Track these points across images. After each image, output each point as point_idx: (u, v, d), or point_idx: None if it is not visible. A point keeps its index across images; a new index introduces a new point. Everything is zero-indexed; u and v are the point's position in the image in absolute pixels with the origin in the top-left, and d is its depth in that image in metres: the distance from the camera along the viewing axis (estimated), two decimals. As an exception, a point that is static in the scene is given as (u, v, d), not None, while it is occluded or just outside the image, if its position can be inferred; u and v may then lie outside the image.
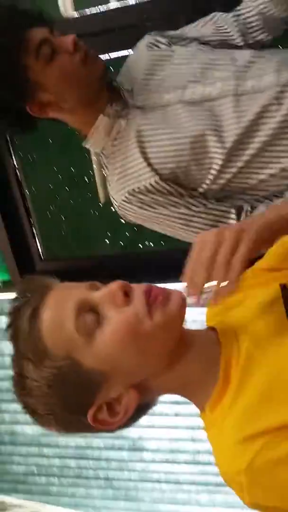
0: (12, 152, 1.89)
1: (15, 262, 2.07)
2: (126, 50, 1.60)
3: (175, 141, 0.97)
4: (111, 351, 0.62)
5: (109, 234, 2.00)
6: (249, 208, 1.02)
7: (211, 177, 1.00)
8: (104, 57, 1.64)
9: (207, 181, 1.00)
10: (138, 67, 1.07)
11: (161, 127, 0.99)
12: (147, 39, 1.12)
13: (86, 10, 1.61)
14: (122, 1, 1.57)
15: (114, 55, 1.65)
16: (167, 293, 0.63)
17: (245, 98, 0.97)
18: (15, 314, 0.65)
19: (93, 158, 1.44)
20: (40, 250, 2.09)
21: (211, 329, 0.71)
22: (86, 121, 1.03)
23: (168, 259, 2.03)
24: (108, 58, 1.65)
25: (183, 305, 0.63)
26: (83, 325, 0.61)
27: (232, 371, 0.64)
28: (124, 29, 1.57)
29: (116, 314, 0.62)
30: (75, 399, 0.64)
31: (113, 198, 1.05)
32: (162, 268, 1.84)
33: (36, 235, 2.05)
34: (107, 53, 1.65)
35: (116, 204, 1.06)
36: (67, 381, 0.62)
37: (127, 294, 0.62)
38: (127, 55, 1.54)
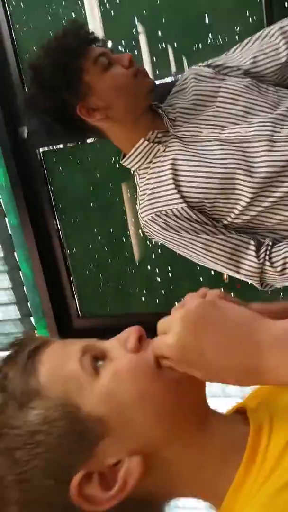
0: (56, 214, 2.02)
1: (54, 319, 2.14)
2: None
3: (207, 174, 1.02)
4: (115, 390, 0.50)
5: (145, 292, 2.05)
6: (270, 243, 1.04)
7: (236, 211, 1.04)
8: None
9: (232, 215, 1.04)
10: (184, 98, 1.14)
11: (196, 159, 1.04)
12: (195, 70, 1.18)
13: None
14: (157, 79, 1.71)
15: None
16: None
17: (279, 144, 1.01)
18: (10, 357, 0.54)
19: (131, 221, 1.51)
20: (78, 307, 2.15)
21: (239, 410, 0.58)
22: (128, 138, 1.10)
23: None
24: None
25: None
26: (87, 362, 0.52)
27: (259, 449, 0.49)
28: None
29: (124, 354, 0.53)
30: (62, 456, 0.48)
31: (141, 216, 1.11)
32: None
33: (75, 293, 2.13)
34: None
35: (143, 221, 1.11)
36: (57, 428, 0.49)
37: (141, 341, 0.54)
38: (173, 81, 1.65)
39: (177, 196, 1.04)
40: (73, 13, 1.75)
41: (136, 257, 2.03)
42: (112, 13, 1.69)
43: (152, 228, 1.08)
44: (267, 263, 1.01)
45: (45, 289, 2.08)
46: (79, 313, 2.17)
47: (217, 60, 1.18)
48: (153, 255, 1.96)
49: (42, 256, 2.04)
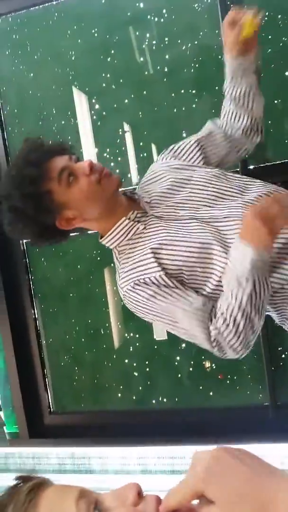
0: (34, 304, 2.02)
1: (25, 414, 2.04)
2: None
3: (186, 243, 1.09)
4: None
5: (121, 387, 1.99)
6: (214, 304, 1.10)
7: (213, 281, 1.08)
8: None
9: (210, 285, 1.09)
10: (160, 185, 1.21)
11: (175, 232, 1.12)
12: (165, 164, 1.26)
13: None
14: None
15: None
16: None
17: None
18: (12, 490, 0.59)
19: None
20: (50, 402, 2.07)
21: None
22: (106, 223, 1.15)
23: (180, 419, 1.98)
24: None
25: None
26: (83, 506, 0.55)
27: None
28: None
29: (122, 507, 0.56)
30: None
31: (121, 287, 1.13)
32: (174, 428, 1.79)
33: (48, 386, 2.05)
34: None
35: (122, 293, 1.13)
36: None
37: (138, 497, 0.57)
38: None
39: (155, 265, 1.09)
40: (62, 121, 1.91)
41: (115, 348, 2.00)
42: (99, 124, 1.85)
43: (132, 298, 1.11)
44: (212, 323, 1.07)
45: (16, 382, 2.01)
46: (51, 408, 2.08)
47: (183, 150, 1.27)
48: (131, 348, 1.94)
49: (17, 346, 2.00)
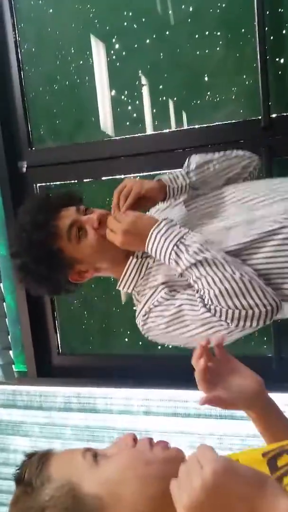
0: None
1: (34, 354, 2.11)
2: (158, 171, 1.81)
3: None
4: (112, 476, 0.63)
5: (129, 333, 2.04)
6: None
7: None
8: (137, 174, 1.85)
9: None
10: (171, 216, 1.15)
11: None
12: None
13: (126, 134, 1.84)
14: (157, 130, 1.80)
15: (146, 173, 1.84)
16: (167, 444, 0.67)
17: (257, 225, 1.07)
18: (24, 464, 0.68)
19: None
20: (59, 343, 2.13)
21: None
22: (120, 267, 1.13)
23: (184, 364, 2.02)
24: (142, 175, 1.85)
25: (179, 455, 0.66)
26: (89, 456, 0.65)
27: None
28: (156, 153, 1.78)
29: (123, 450, 0.66)
30: None
31: (139, 326, 1.11)
32: (177, 372, 1.84)
33: (57, 329, 2.11)
34: (140, 173, 1.85)
35: (143, 330, 1.10)
36: (61, 504, 0.62)
37: (135, 441, 0.68)
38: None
39: (162, 286, 1.07)
40: (81, 61, 1.85)
41: (122, 298, 2.03)
42: (118, 64, 1.79)
43: (149, 326, 1.08)
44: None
45: (27, 323, 2.06)
46: (59, 350, 2.14)
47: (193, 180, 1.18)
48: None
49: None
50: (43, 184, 2.01)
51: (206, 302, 0.98)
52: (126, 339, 2.05)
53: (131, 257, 1.11)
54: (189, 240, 1.01)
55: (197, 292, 1.00)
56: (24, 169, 1.98)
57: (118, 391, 1.91)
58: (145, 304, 1.08)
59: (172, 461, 0.63)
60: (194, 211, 1.14)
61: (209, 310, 0.98)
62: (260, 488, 0.54)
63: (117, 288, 1.14)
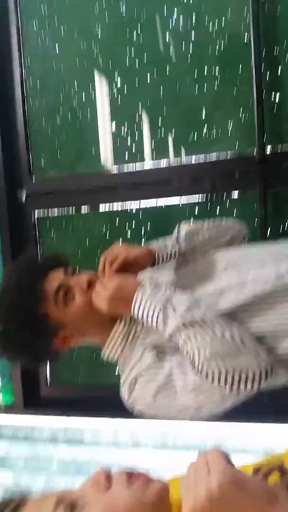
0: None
1: (21, 385, 2.05)
2: (155, 200, 1.84)
3: None
4: None
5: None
6: None
7: None
8: (135, 205, 1.88)
9: None
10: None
11: None
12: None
13: (124, 165, 1.89)
14: (155, 161, 1.85)
15: (143, 204, 1.88)
16: (149, 477, 0.60)
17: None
18: None
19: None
20: (48, 374, 2.08)
21: None
22: (107, 335, 1.07)
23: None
24: (139, 207, 1.88)
25: (164, 491, 0.59)
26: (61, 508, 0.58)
27: None
28: (155, 184, 1.82)
29: (99, 497, 0.58)
30: None
31: (124, 399, 1.03)
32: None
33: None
34: (139, 202, 1.88)
35: (127, 403, 1.03)
36: None
37: (109, 479, 0.61)
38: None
39: (151, 354, 1.01)
40: (83, 95, 1.92)
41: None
42: (119, 98, 1.87)
43: (138, 397, 1.00)
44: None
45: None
46: (49, 381, 2.09)
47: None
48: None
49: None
50: (41, 214, 2.04)
51: (196, 366, 0.92)
52: (116, 373, 2.00)
53: (118, 322, 1.06)
54: (176, 299, 0.97)
55: (187, 354, 0.94)
56: (24, 198, 2.01)
57: (107, 423, 1.85)
58: (131, 370, 1.02)
59: (158, 497, 0.57)
60: (183, 276, 1.12)
61: (200, 375, 0.92)
62: (270, 504, 0.52)
63: (102, 355, 1.07)
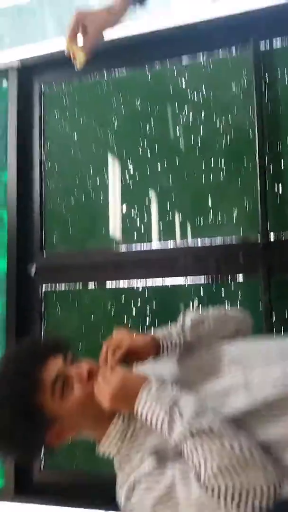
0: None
1: (13, 469, 1.95)
2: (161, 279, 1.87)
3: None
4: None
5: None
6: None
7: None
8: (141, 283, 1.91)
9: None
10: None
11: None
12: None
13: (133, 245, 1.95)
14: (163, 242, 1.91)
15: (150, 282, 1.91)
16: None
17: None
18: None
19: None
20: (42, 458, 1.98)
21: None
22: (104, 430, 1.03)
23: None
24: (145, 285, 1.91)
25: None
26: None
27: None
28: (161, 262, 1.87)
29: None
30: None
31: (122, 499, 0.98)
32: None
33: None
34: (145, 280, 1.91)
35: (123, 503, 0.97)
36: None
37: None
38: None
39: (151, 458, 0.96)
40: (97, 178, 2.04)
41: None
42: (131, 183, 1.98)
43: (136, 505, 0.95)
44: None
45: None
46: (42, 465, 1.98)
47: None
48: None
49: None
50: (48, 288, 2.06)
51: (202, 480, 0.87)
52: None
53: (116, 417, 1.01)
54: (183, 404, 0.92)
55: (192, 463, 0.89)
56: (33, 273, 2.06)
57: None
58: (129, 474, 0.96)
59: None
60: (187, 369, 1.08)
61: (205, 490, 0.86)
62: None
63: (98, 451, 1.02)
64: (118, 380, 0.96)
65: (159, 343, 1.08)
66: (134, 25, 1.57)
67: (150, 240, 1.92)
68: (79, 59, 1.21)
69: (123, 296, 1.95)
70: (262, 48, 1.78)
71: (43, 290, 2.08)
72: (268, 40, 1.79)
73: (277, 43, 1.78)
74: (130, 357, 1.05)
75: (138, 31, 1.83)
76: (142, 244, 1.93)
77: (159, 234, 1.92)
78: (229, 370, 1.02)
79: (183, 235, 1.89)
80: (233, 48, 1.84)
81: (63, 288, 2.06)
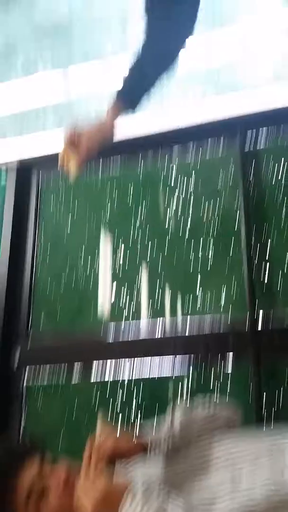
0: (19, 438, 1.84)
1: None
2: (148, 370, 1.81)
3: None
4: None
5: None
6: None
7: None
8: (127, 375, 1.82)
9: None
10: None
11: None
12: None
13: (121, 322, 1.92)
14: (150, 331, 1.87)
15: (136, 374, 1.83)
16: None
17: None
18: None
19: None
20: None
21: None
22: None
23: None
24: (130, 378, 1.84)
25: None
26: None
27: None
28: (148, 350, 1.82)
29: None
30: None
31: None
32: None
33: None
34: (131, 371, 1.84)
35: None
36: None
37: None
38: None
39: None
40: (88, 258, 2.07)
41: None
42: (121, 261, 2.02)
43: None
44: None
45: None
46: None
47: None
48: None
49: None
50: (30, 382, 1.97)
51: None
52: None
53: None
54: (170, 510, 0.88)
55: None
56: (16, 362, 1.99)
57: None
58: None
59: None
60: (174, 470, 1.05)
61: None
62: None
63: None
64: (101, 490, 0.91)
65: (146, 447, 1.06)
66: (127, 127, 1.70)
67: (139, 318, 1.90)
68: (72, 172, 1.32)
69: (107, 389, 1.87)
70: (246, 149, 1.93)
71: (24, 384, 1.98)
72: (253, 141, 1.94)
73: (261, 144, 1.93)
74: (114, 457, 1.02)
75: (132, 135, 1.99)
76: (131, 322, 1.91)
77: (148, 311, 1.91)
78: (216, 473, 0.99)
79: (173, 314, 1.87)
80: (220, 147, 1.99)
81: (45, 382, 1.95)
